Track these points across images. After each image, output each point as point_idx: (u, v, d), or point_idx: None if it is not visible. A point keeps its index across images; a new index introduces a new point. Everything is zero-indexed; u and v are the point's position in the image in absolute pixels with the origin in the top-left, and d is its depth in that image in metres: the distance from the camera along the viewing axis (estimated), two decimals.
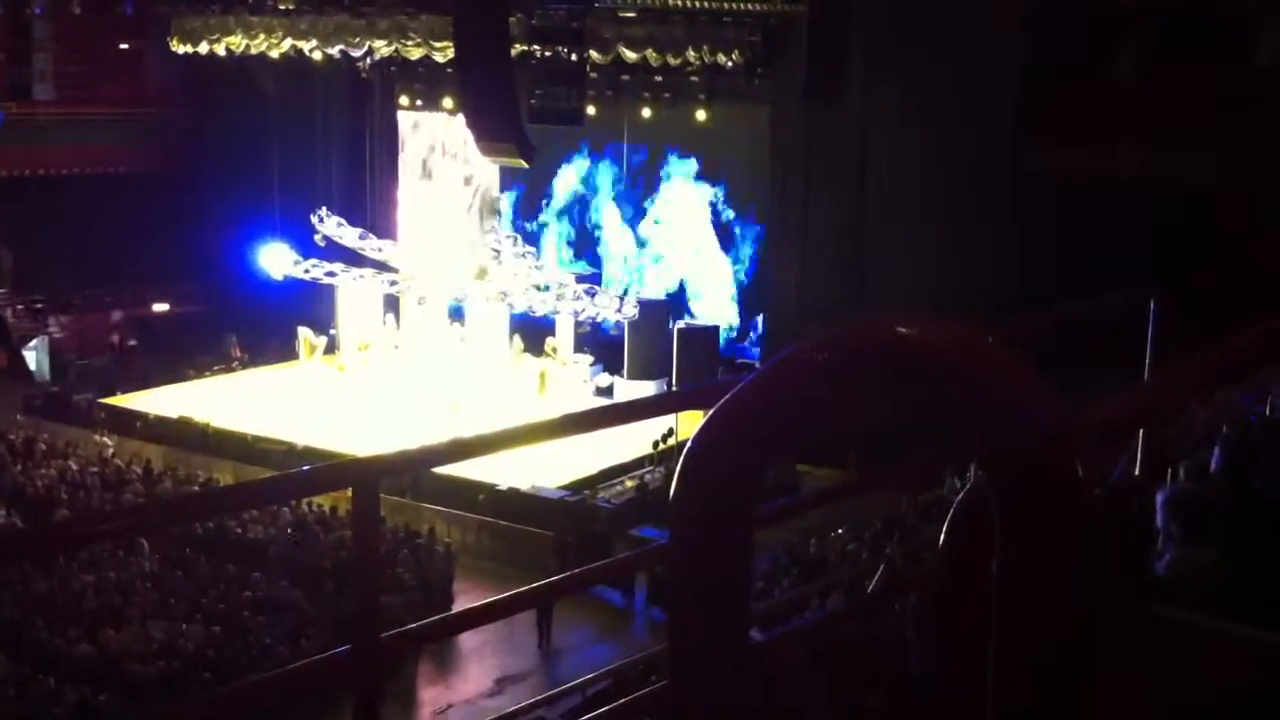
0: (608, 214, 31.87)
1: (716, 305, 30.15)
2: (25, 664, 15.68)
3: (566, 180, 32.08)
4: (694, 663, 2.09)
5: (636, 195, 31.21)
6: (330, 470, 3.81)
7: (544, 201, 32.33)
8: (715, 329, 28.25)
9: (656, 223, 31.00)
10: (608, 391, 27.54)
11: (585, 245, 32.19)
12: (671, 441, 22.51)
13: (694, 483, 1.87)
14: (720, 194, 30.16)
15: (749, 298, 29.77)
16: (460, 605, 19.32)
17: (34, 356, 30.66)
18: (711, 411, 1.89)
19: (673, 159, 30.34)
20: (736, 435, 1.87)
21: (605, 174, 31.64)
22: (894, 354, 1.84)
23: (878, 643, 3.70)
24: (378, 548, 3.29)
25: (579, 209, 32.17)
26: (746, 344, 29.47)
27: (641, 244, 31.46)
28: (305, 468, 3.34)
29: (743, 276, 30.07)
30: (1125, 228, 20.22)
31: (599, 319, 27.63)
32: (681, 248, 30.81)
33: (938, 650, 2.61)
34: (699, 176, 30.28)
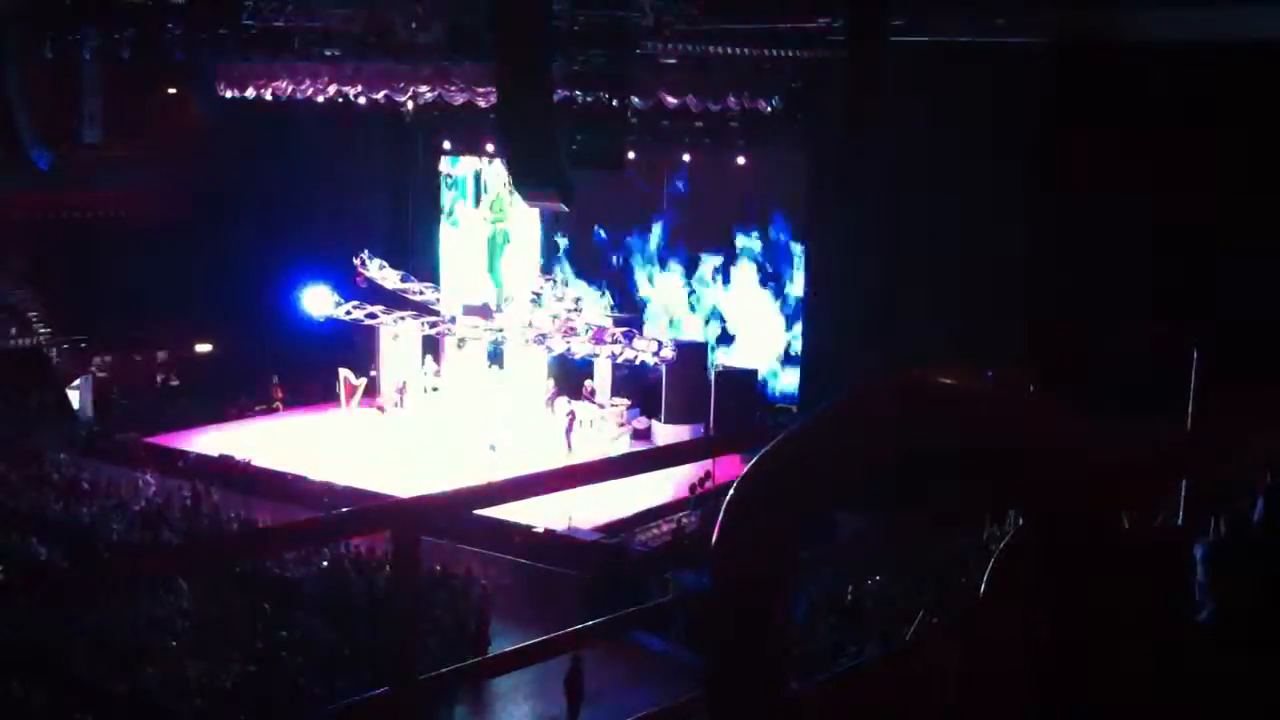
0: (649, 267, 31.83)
1: (756, 347, 29.97)
2: (63, 700, 15.73)
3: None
4: (730, 713, 2.09)
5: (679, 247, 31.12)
6: (370, 513, 3.84)
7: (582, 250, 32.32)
8: (753, 372, 28.23)
9: (702, 284, 30.81)
10: (645, 435, 27.54)
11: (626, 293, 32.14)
12: (709, 486, 22.46)
13: (735, 532, 1.87)
14: (759, 239, 30.08)
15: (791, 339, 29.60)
16: (496, 646, 19.27)
17: (77, 395, 30.96)
18: (754, 461, 1.89)
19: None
20: (779, 486, 1.87)
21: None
22: (937, 403, 1.85)
23: (917, 692, 3.67)
24: (415, 589, 3.31)
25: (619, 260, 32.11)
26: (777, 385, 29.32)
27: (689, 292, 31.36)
28: (345, 510, 3.36)
29: (784, 320, 29.91)
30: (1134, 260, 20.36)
31: (637, 361, 27.68)
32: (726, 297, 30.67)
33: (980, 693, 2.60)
34: (741, 225, 30.14)
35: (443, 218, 31.66)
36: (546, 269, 31.16)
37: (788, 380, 29.02)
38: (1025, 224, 22.48)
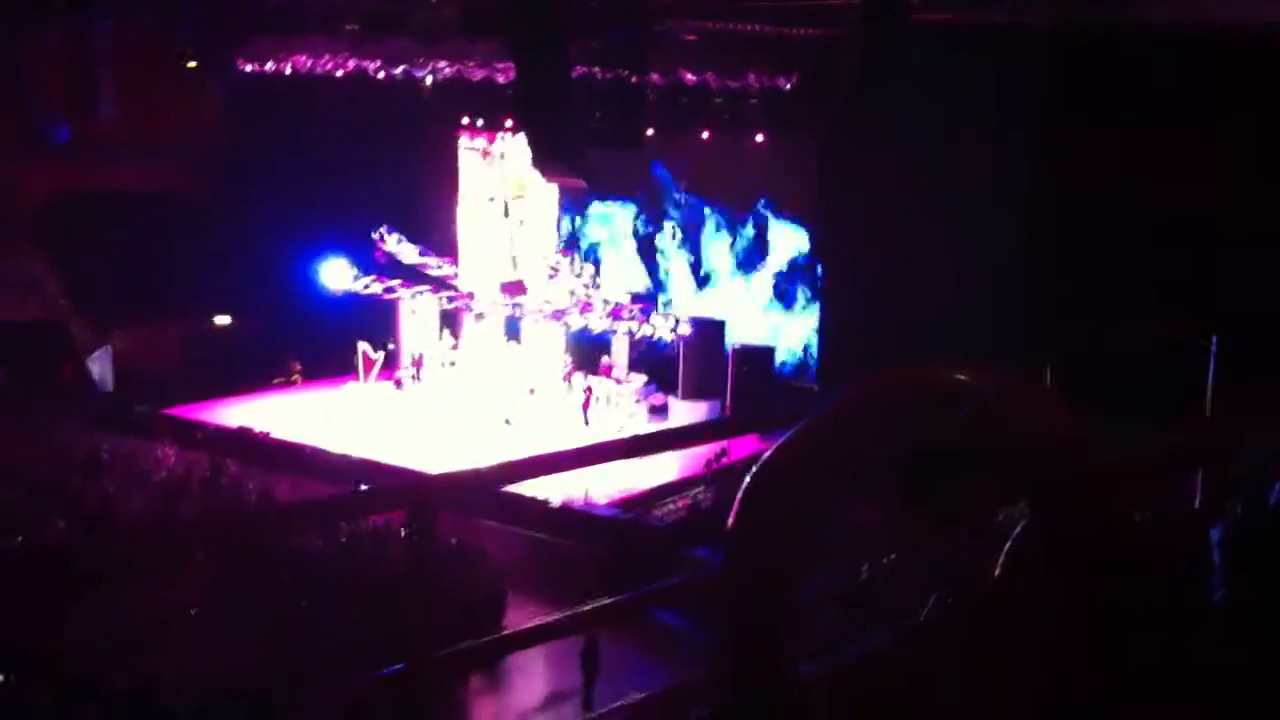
0: (669, 247, 31.73)
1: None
2: (64, 689, 15.73)
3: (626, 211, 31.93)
4: (741, 694, 2.11)
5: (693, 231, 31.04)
6: (388, 492, 3.87)
7: (603, 229, 32.27)
8: (770, 349, 28.22)
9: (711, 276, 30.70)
10: (662, 410, 27.59)
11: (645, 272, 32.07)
12: (725, 462, 22.50)
13: (750, 521, 1.89)
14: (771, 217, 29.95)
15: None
16: (511, 620, 19.37)
17: (96, 368, 31.11)
18: (770, 452, 1.91)
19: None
20: (792, 480, 1.89)
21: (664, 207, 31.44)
22: (948, 398, 1.87)
23: (929, 677, 3.69)
24: (431, 567, 3.33)
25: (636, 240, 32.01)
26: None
27: (702, 277, 31.26)
28: (363, 488, 3.37)
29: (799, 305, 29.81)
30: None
31: (654, 338, 27.71)
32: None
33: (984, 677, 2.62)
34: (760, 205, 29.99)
35: (460, 193, 31.64)
36: (566, 246, 31.14)
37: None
38: (1038, 210, 22.42)
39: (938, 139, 22.92)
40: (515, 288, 29.29)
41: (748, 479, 2.01)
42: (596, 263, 30.95)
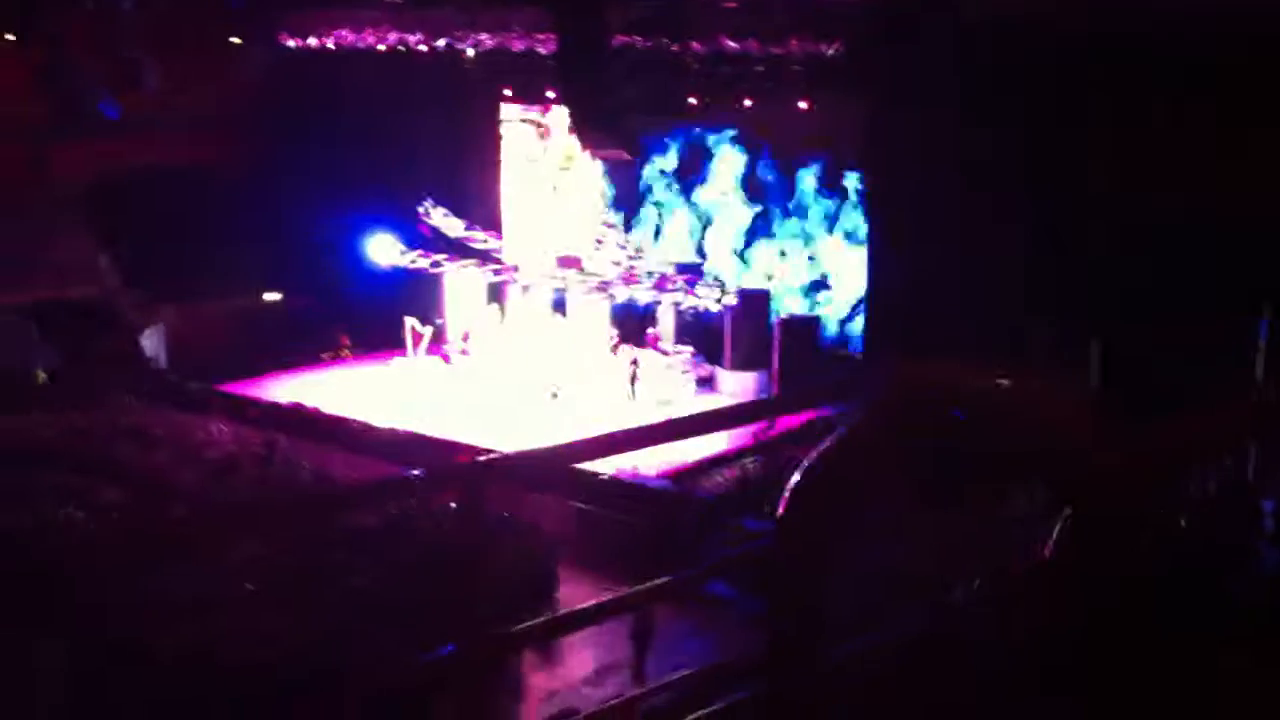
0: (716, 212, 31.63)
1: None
2: (114, 653, 16.00)
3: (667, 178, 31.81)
4: (791, 672, 2.12)
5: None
6: (438, 473, 3.90)
7: (647, 198, 32.19)
8: (816, 319, 28.12)
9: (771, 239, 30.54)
10: (708, 382, 27.58)
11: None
12: (773, 433, 22.49)
13: (798, 515, 1.92)
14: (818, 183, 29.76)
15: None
16: (562, 593, 19.48)
17: (148, 344, 31.45)
18: (812, 456, 1.94)
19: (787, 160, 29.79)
20: (829, 486, 1.92)
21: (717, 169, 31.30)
22: (981, 403, 1.89)
23: (963, 658, 3.68)
24: (482, 547, 3.35)
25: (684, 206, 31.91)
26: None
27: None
28: (415, 472, 3.41)
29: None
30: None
31: (701, 309, 27.68)
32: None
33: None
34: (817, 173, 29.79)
35: (504, 165, 31.66)
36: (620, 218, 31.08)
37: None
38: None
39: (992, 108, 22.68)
40: (571, 262, 29.30)
41: (795, 476, 2.04)
42: (657, 230, 30.90)
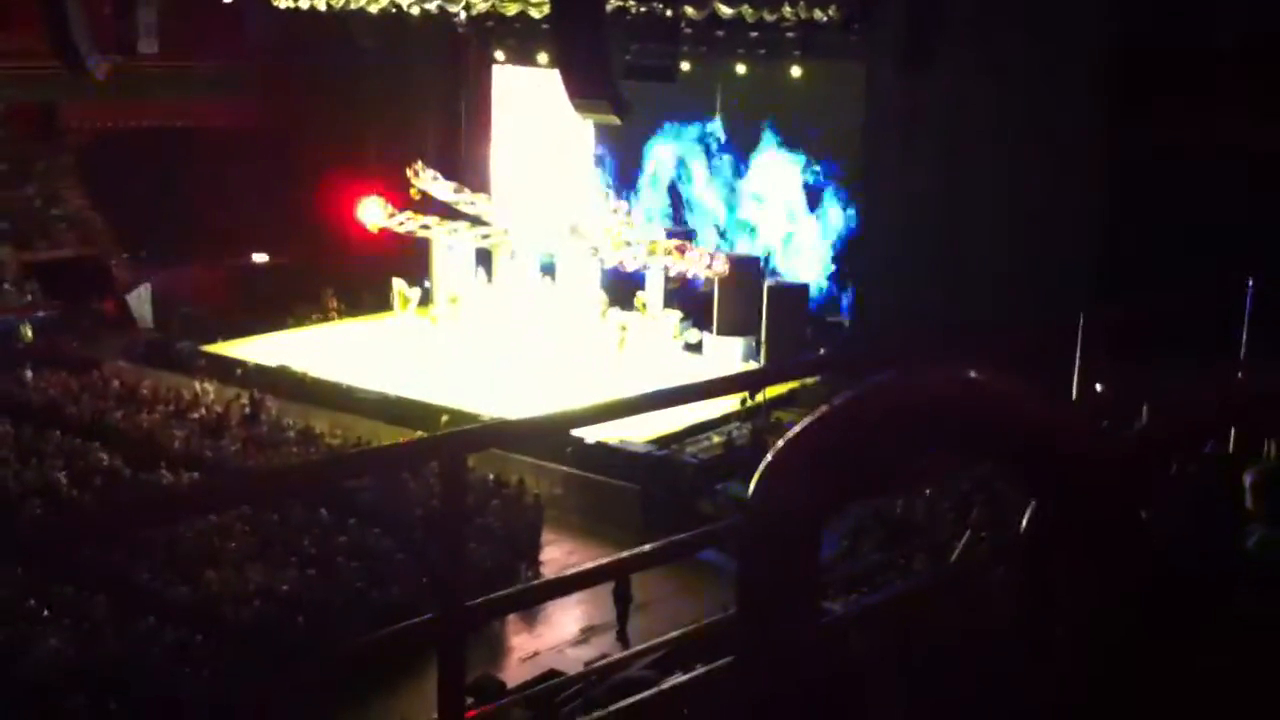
0: (700, 182, 31.60)
1: (807, 268, 29.77)
2: (125, 605, 16.15)
3: (659, 148, 31.78)
4: (764, 644, 2.16)
5: (729, 162, 30.91)
6: (419, 445, 3.94)
7: (637, 169, 32.12)
8: (805, 287, 28.15)
9: (756, 199, 30.60)
10: (697, 347, 27.61)
11: (678, 212, 31.97)
12: (759, 398, 22.57)
13: (768, 503, 1.95)
14: (803, 160, 29.78)
15: (840, 262, 29.39)
16: (547, 556, 19.58)
17: (137, 305, 31.39)
18: (796, 430, 1.97)
19: (765, 125, 29.89)
20: (812, 473, 1.96)
21: (698, 140, 31.29)
22: (960, 405, 1.93)
23: (965, 614, 3.73)
24: (464, 517, 3.40)
25: (672, 177, 31.91)
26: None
27: (733, 210, 31.16)
28: (397, 442, 3.44)
29: (834, 241, 29.66)
30: (1223, 200, 19.84)
31: (690, 275, 27.65)
32: (774, 215, 30.45)
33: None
34: (790, 142, 29.81)
35: (495, 129, 31.58)
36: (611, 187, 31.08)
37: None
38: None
39: (1000, 74, 22.64)
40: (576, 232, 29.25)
41: (770, 454, 2.07)
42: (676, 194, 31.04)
